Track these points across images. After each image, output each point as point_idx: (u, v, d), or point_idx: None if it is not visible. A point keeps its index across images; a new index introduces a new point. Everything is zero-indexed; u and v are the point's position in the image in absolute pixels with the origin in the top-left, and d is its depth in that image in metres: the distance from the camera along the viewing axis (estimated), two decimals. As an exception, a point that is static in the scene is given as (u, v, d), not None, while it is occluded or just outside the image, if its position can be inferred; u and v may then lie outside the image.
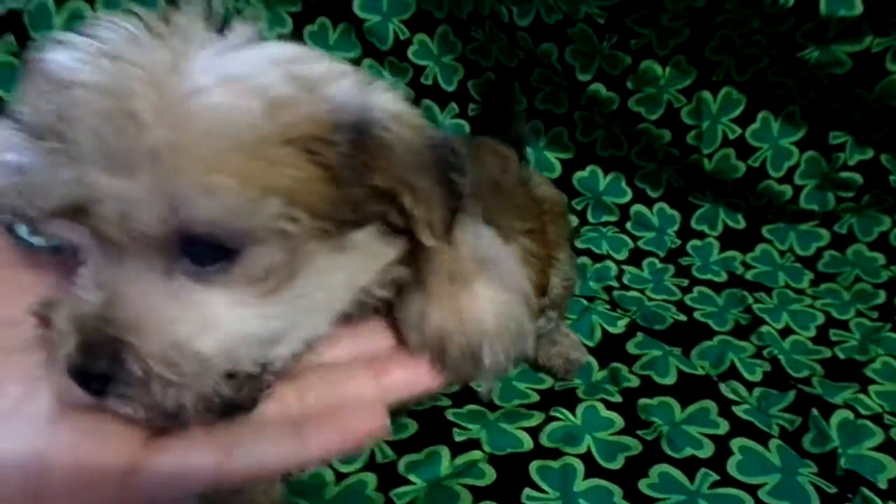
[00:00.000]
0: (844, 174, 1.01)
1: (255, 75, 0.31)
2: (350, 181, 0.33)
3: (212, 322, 0.33)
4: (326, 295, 0.36)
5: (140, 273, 0.32)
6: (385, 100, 0.35)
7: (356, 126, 0.33)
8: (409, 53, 1.08)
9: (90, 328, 0.31)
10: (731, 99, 0.99)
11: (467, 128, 1.09)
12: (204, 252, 0.32)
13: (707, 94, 0.97)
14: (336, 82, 0.34)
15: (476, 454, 0.71)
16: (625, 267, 1.03)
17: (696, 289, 0.99)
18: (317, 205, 0.32)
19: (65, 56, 0.31)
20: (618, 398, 0.79)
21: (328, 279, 0.35)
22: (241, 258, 0.32)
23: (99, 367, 0.31)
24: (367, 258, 0.37)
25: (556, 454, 0.71)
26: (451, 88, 1.09)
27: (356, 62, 1.08)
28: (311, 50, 0.36)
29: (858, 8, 0.82)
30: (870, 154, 1.00)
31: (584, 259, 1.03)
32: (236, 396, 0.33)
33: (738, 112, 0.99)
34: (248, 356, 0.33)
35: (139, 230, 0.30)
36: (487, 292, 0.39)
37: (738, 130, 1.00)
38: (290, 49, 0.34)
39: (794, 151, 1.02)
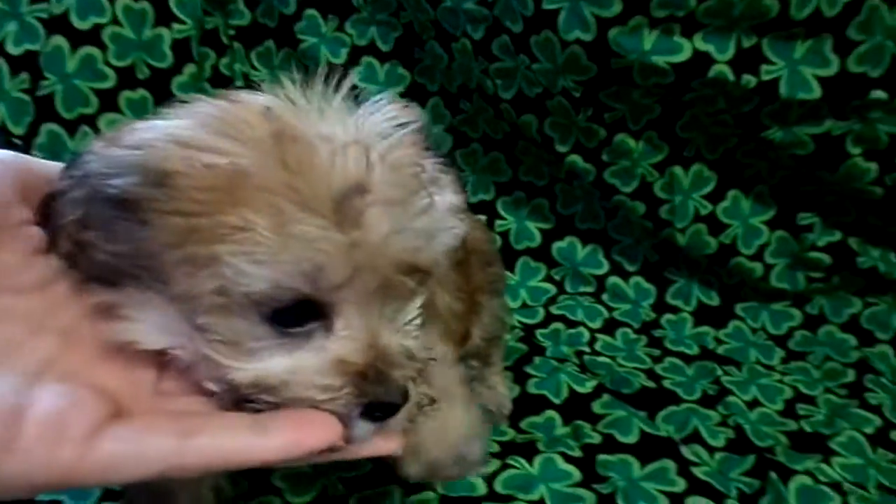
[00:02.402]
0: (813, 255, 1.03)
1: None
2: None
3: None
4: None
5: (392, 315, 0.40)
6: None
7: None
8: (402, 122, 1.14)
9: (389, 371, 0.38)
10: (703, 176, 1.03)
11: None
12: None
13: (679, 170, 1.02)
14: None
15: (429, 495, 0.70)
16: (598, 335, 1.04)
17: (668, 359, 1.00)
18: None
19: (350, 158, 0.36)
20: (578, 453, 0.78)
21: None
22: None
23: (399, 398, 0.39)
24: None
25: (508, 499, 0.70)
26: (439, 157, 1.14)
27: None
28: None
29: (817, 92, 0.87)
30: (838, 236, 1.03)
31: (558, 325, 1.05)
32: None
33: (709, 189, 1.03)
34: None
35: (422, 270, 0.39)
36: (462, 410, 0.53)
37: (710, 207, 1.04)
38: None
39: (763, 230, 1.05)
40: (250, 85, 0.41)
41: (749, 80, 0.87)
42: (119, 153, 0.36)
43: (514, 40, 0.95)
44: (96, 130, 0.93)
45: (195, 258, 0.34)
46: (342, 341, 0.38)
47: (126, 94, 0.95)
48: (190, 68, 1.00)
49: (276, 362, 0.37)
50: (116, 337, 0.37)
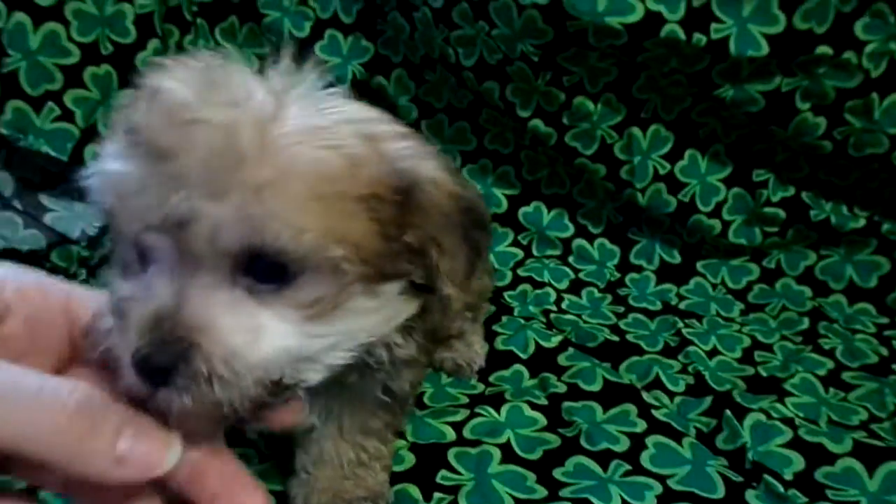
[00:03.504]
0: (769, 210, 1.07)
1: (338, 134, 0.38)
2: (394, 237, 0.41)
3: (261, 333, 0.38)
4: (356, 331, 0.42)
5: (209, 283, 0.37)
6: (430, 166, 0.42)
7: (405, 189, 0.41)
8: (367, 94, 1.16)
9: (162, 326, 0.36)
10: (660, 136, 1.06)
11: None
12: (264, 272, 0.37)
13: (637, 131, 1.05)
14: (396, 145, 0.41)
15: (399, 443, 0.73)
16: (564, 295, 1.07)
17: (632, 315, 1.03)
18: (368, 254, 0.39)
19: (183, 90, 0.37)
20: (543, 401, 0.81)
21: (360, 318, 0.42)
22: (295, 284, 0.38)
23: (166, 361, 0.35)
24: (391, 309, 0.44)
25: (475, 444, 0.73)
26: (405, 127, 1.16)
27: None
28: (374, 109, 0.42)
29: (765, 49, 0.90)
30: (791, 191, 1.07)
31: (526, 286, 1.08)
32: (270, 401, 0.39)
33: (666, 149, 1.07)
34: (287, 369, 0.39)
35: (222, 246, 0.36)
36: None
37: (668, 166, 1.07)
38: (360, 108, 0.41)
39: (721, 188, 1.08)
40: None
41: (700, 38, 0.89)
42: None
43: (473, 7, 0.97)
44: (62, 107, 0.94)
45: None
46: (145, 287, 0.38)
47: (91, 70, 0.96)
48: (154, 44, 1.01)
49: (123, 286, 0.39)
50: None
